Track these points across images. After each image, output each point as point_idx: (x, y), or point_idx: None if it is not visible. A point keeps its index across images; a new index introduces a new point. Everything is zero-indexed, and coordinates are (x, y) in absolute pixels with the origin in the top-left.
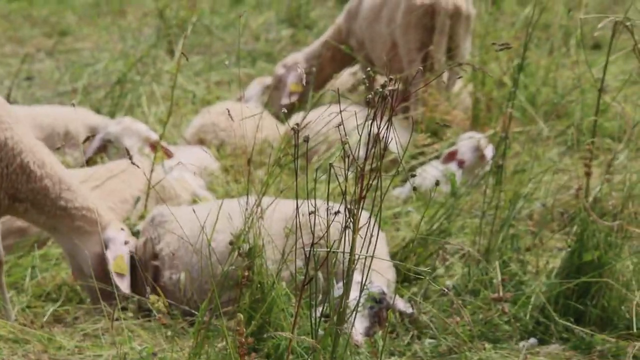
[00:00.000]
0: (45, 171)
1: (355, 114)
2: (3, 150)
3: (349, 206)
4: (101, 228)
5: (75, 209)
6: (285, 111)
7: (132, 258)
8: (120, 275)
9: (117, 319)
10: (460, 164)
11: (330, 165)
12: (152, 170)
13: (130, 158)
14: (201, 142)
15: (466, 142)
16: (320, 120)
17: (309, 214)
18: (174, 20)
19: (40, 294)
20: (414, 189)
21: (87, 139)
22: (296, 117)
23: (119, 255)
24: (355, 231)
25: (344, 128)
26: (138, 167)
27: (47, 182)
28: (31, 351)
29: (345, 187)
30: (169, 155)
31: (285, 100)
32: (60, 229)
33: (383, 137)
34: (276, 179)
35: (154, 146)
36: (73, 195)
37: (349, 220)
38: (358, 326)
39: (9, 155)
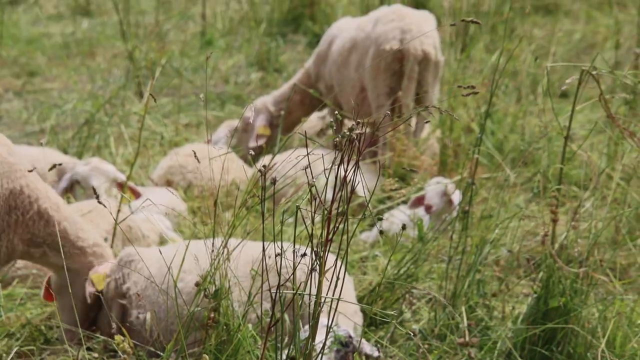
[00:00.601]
0: (62, 214)
1: (323, 157)
2: (19, 198)
3: (315, 249)
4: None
5: (89, 247)
6: (253, 153)
7: (98, 298)
8: (92, 286)
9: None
10: (428, 209)
11: (298, 207)
12: (118, 211)
13: (97, 197)
14: (169, 183)
15: (433, 188)
16: (287, 163)
17: (276, 256)
18: (143, 62)
19: (5, 333)
20: (381, 232)
21: (54, 166)
22: (264, 160)
23: (103, 272)
24: (321, 274)
25: (312, 171)
26: (105, 206)
27: (65, 224)
28: None
29: (312, 229)
30: (136, 195)
31: (252, 143)
32: (73, 267)
33: (350, 180)
34: (243, 221)
35: (122, 187)
36: (86, 233)
37: (316, 262)
38: None
39: (25, 203)
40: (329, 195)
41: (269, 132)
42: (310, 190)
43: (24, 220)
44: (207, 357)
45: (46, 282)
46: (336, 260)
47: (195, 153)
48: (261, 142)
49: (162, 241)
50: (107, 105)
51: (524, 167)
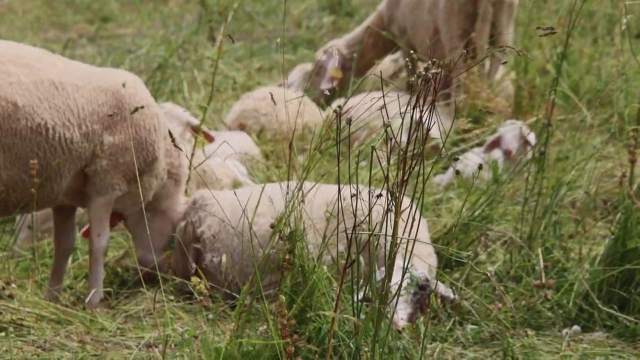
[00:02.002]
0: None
1: (398, 97)
2: (165, 128)
3: (391, 190)
4: None
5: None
6: (328, 93)
7: (173, 240)
8: None
9: (158, 302)
10: (508, 154)
11: (373, 148)
12: (192, 154)
13: (173, 140)
14: (242, 127)
15: (510, 132)
16: (361, 105)
17: (351, 197)
18: (215, 7)
19: (82, 275)
20: (457, 172)
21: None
22: (337, 103)
23: None
24: (397, 214)
25: (387, 112)
26: (180, 149)
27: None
28: (74, 332)
29: (388, 170)
30: (209, 139)
31: (325, 86)
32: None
33: (425, 121)
34: (317, 164)
35: (195, 131)
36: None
37: (391, 203)
38: (401, 312)
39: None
40: (404, 138)
41: (341, 74)
42: (385, 131)
43: (170, 150)
44: (283, 297)
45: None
46: (412, 201)
47: (272, 95)
48: (333, 84)
49: (236, 185)
50: (180, 50)
51: (601, 108)
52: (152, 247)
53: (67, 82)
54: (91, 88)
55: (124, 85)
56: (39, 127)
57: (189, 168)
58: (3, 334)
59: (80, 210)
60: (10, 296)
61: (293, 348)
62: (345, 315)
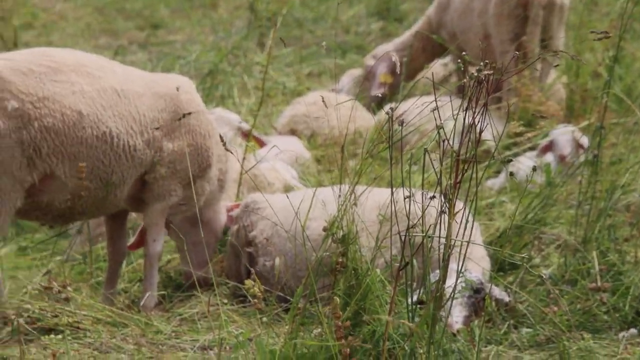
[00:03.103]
0: None
1: (451, 100)
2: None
3: (444, 191)
4: None
5: None
6: (380, 95)
7: (224, 244)
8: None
9: (213, 305)
10: (562, 159)
11: (425, 150)
12: (244, 159)
13: (224, 144)
14: (292, 132)
15: (563, 137)
16: (412, 110)
17: (404, 199)
18: (264, 13)
19: (137, 279)
20: (511, 174)
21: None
22: (388, 107)
23: None
24: (451, 216)
25: (439, 114)
26: (232, 153)
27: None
28: (129, 335)
29: (441, 171)
30: (261, 144)
31: (375, 91)
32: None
33: (478, 123)
34: (368, 168)
35: (246, 136)
36: None
37: (445, 205)
38: (456, 315)
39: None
40: (456, 141)
41: (390, 79)
42: (438, 133)
43: (221, 154)
44: (337, 299)
45: (139, 232)
46: (465, 203)
47: (323, 98)
48: (383, 89)
49: (287, 189)
50: (230, 56)
51: None
52: (196, 261)
53: (128, 90)
54: (151, 95)
55: (177, 89)
56: (104, 135)
57: (241, 172)
58: (60, 336)
59: (131, 215)
60: (67, 299)
61: (348, 349)
62: (401, 321)
